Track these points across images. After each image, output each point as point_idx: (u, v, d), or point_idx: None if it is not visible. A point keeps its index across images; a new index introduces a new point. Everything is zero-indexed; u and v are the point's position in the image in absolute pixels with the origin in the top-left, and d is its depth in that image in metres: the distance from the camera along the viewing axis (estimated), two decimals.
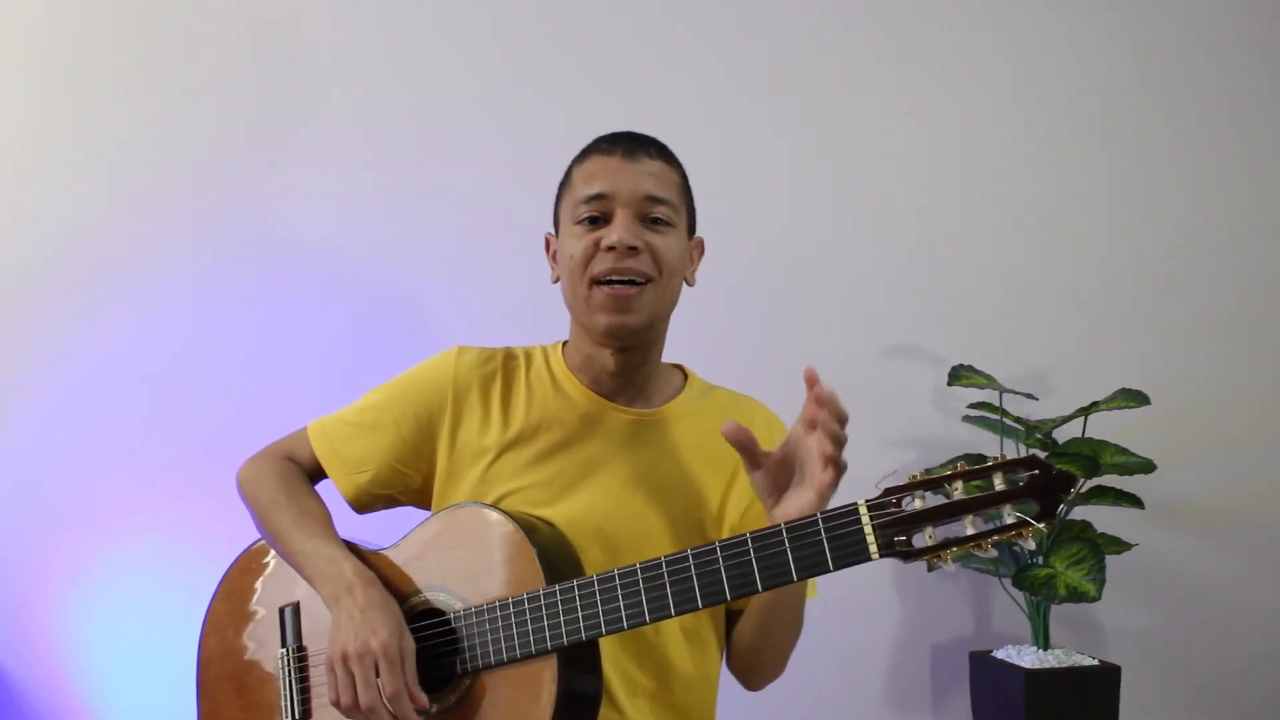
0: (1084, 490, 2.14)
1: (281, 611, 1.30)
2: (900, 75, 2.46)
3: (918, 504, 1.04)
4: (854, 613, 2.31)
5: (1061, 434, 2.23)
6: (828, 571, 1.06)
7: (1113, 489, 2.13)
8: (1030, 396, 2.25)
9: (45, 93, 2.32)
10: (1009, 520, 1.02)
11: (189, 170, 2.32)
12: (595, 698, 1.20)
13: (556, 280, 1.33)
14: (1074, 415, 2.14)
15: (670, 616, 1.12)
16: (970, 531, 1.03)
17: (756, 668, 1.35)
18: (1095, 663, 2.10)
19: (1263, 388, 2.42)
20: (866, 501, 1.05)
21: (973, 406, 2.20)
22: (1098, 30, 2.48)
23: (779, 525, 1.08)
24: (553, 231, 1.36)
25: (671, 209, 1.28)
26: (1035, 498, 1.02)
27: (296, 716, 1.26)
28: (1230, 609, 2.37)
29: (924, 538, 1.03)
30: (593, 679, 1.20)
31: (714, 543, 1.10)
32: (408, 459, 1.32)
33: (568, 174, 1.33)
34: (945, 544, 1.03)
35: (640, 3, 2.42)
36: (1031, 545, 1.03)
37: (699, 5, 2.44)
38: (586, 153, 1.31)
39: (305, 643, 1.28)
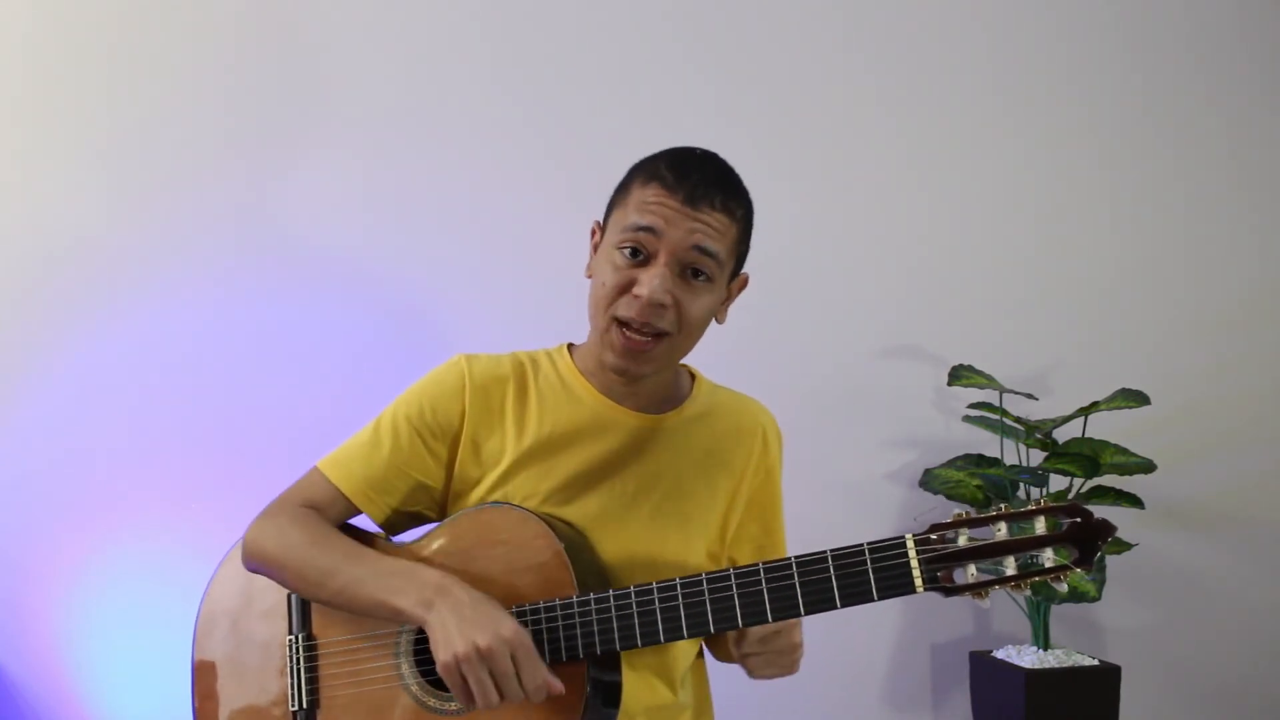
0: (1084, 490, 2.14)
1: (290, 598, 1.28)
2: (902, 76, 2.45)
3: (962, 541, 1.07)
4: (854, 613, 2.28)
5: (1061, 434, 2.23)
6: (871, 600, 1.08)
7: (1113, 489, 2.13)
8: (1030, 396, 2.25)
9: (46, 92, 2.31)
10: (1048, 564, 1.06)
11: (193, 171, 2.30)
12: (617, 701, 1.20)
13: (590, 275, 1.29)
14: (1074, 415, 2.14)
15: (709, 634, 1.13)
16: (1010, 571, 1.07)
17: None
18: (1095, 663, 2.10)
19: (1263, 388, 2.42)
20: (913, 535, 1.08)
21: (973, 406, 2.20)
22: (1096, 32, 2.48)
23: (825, 552, 1.10)
24: (599, 222, 1.31)
25: (716, 264, 1.23)
26: (1075, 543, 1.06)
27: (304, 705, 1.23)
28: (1230, 609, 2.37)
29: (965, 574, 1.07)
30: (616, 683, 1.20)
31: (758, 564, 1.12)
32: (431, 470, 1.29)
33: (628, 183, 1.26)
34: (986, 583, 1.07)
35: (645, 10, 2.42)
36: (1064, 588, 1.07)
37: (701, 11, 2.43)
38: (653, 175, 1.23)
39: (315, 631, 1.25)
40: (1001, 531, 1.07)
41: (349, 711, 1.22)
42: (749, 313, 2.37)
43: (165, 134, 2.31)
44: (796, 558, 1.10)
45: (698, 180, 1.22)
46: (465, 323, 2.30)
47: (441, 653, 1.11)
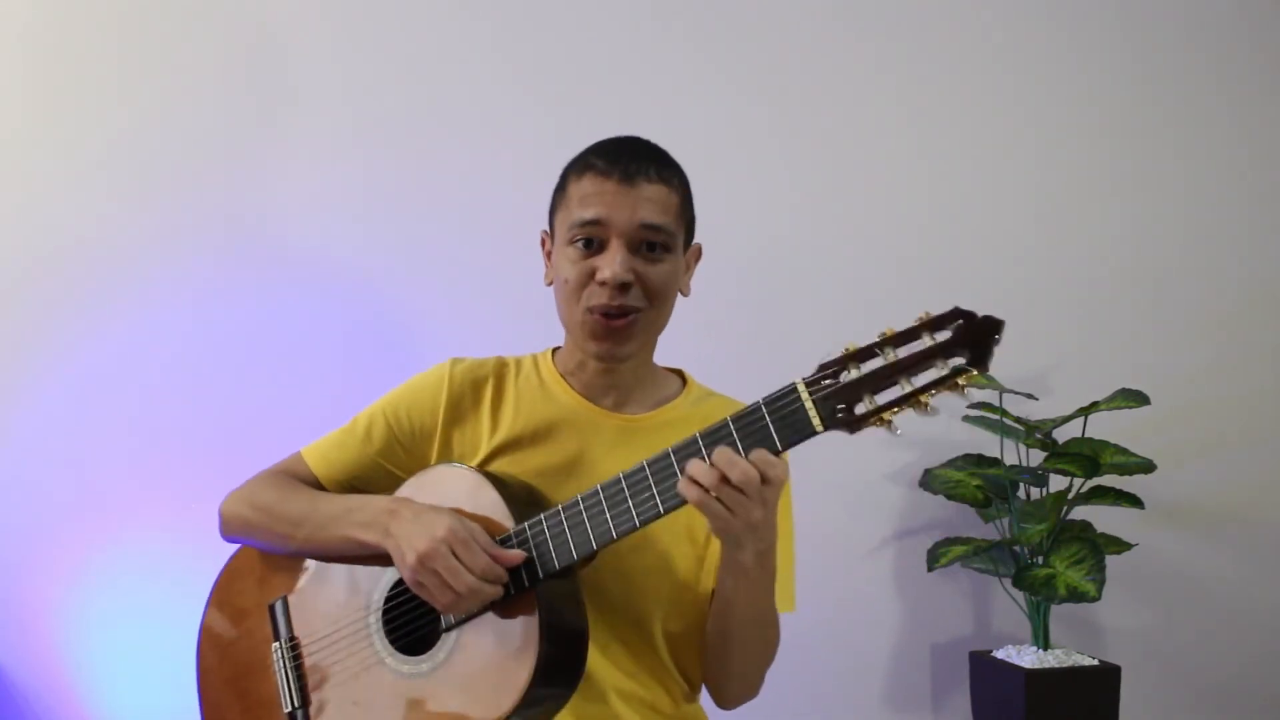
0: (1084, 490, 2.14)
1: (271, 608, 1.33)
2: (901, 76, 2.45)
3: (854, 374, 1.05)
4: (854, 613, 2.31)
5: (1061, 434, 2.23)
6: (777, 453, 1.07)
7: (1113, 489, 2.13)
8: (1030, 396, 2.25)
9: (37, 96, 2.31)
10: (944, 372, 1.03)
11: (183, 174, 2.30)
12: (578, 664, 1.20)
13: (551, 283, 1.33)
14: (1074, 415, 2.14)
15: (636, 529, 1.13)
16: (907, 390, 1.04)
17: (723, 683, 1.35)
18: (1095, 663, 2.10)
19: (1263, 388, 2.42)
20: (804, 379, 1.07)
21: (973, 406, 2.20)
22: (1096, 31, 2.47)
23: (725, 419, 1.09)
24: (548, 230, 1.35)
25: (668, 234, 1.26)
26: (966, 347, 1.02)
27: (296, 704, 1.29)
28: (1230, 609, 2.37)
29: (864, 405, 1.05)
30: (576, 639, 1.20)
31: (668, 449, 1.12)
32: (401, 461, 1.34)
33: (564, 183, 1.30)
34: (885, 406, 1.04)
35: (637, 3, 2.42)
36: (971, 396, 1.04)
37: (696, 5, 2.43)
38: (584, 168, 1.27)
39: (296, 633, 1.31)
40: (890, 355, 1.04)
41: (337, 701, 1.27)
42: (748, 311, 2.39)
43: (163, 136, 2.31)
44: (701, 431, 1.10)
45: (629, 158, 1.26)
46: (460, 322, 2.30)
47: (401, 570, 1.17)
